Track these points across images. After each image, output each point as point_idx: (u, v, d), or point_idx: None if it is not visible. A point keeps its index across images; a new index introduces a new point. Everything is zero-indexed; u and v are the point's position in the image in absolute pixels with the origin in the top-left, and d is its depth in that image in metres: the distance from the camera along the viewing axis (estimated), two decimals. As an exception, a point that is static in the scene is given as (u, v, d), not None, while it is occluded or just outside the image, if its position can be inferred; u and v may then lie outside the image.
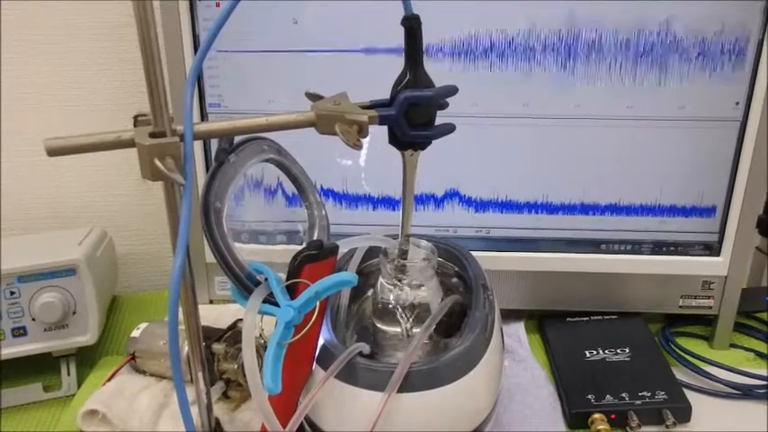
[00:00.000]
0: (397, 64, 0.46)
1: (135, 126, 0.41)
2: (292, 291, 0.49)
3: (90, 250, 0.68)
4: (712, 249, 0.72)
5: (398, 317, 0.55)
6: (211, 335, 0.60)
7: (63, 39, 0.79)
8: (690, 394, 0.64)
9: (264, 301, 0.48)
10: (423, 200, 0.72)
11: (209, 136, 0.44)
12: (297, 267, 0.50)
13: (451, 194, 0.72)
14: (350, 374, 0.48)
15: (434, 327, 0.52)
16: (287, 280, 0.50)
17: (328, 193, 0.72)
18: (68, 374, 0.68)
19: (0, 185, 0.83)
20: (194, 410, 0.46)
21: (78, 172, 0.85)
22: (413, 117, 0.46)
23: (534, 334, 0.76)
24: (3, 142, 0.82)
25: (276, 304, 0.48)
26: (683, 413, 0.62)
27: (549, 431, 0.61)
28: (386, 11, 0.54)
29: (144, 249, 0.90)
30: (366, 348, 0.50)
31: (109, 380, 0.63)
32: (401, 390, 0.47)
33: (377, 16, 0.65)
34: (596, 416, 0.61)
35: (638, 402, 0.62)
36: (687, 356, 0.70)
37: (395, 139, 0.48)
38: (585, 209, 0.72)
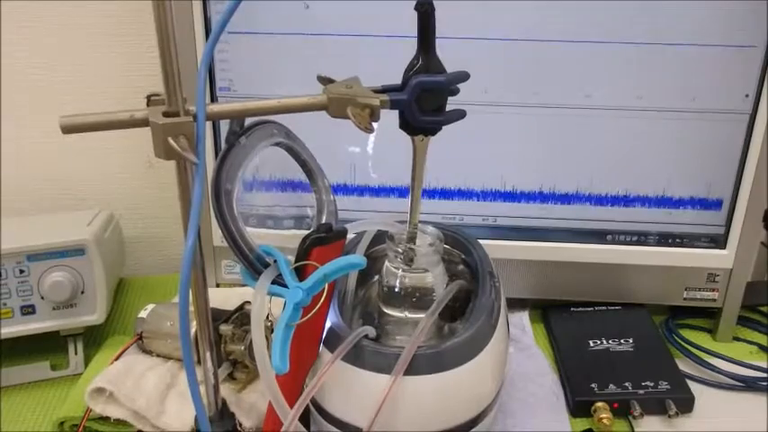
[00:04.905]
0: (409, 49, 0.46)
1: (148, 106, 0.41)
2: (301, 273, 0.49)
3: (99, 231, 0.69)
4: (718, 242, 0.72)
5: (403, 301, 0.56)
6: (218, 316, 0.61)
7: (73, 20, 0.78)
8: (692, 385, 0.65)
9: (273, 283, 0.49)
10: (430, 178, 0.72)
11: (222, 117, 0.44)
12: (306, 250, 0.50)
13: (459, 180, 0.72)
14: (356, 357, 0.48)
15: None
16: (296, 262, 0.50)
17: (337, 189, 0.72)
18: (75, 353, 0.68)
19: (0, 164, 0.83)
20: (201, 391, 0.47)
21: (86, 155, 0.85)
22: (424, 102, 0.46)
23: (538, 323, 0.76)
24: (12, 124, 0.82)
25: (285, 286, 0.48)
26: (686, 403, 0.63)
27: (552, 419, 0.62)
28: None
29: (149, 233, 0.90)
30: (372, 332, 0.51)
31: (116, 359, 0.63)
32: (407, 373, 0.47)
33: (389, 1, 0.65)
34: (599, 404, 0.62)
35: (641, 392, 0.63)
36: (690, 348, 0.70)
37: (405, 124, 0.48)
38: (592, 199, 0.72)
